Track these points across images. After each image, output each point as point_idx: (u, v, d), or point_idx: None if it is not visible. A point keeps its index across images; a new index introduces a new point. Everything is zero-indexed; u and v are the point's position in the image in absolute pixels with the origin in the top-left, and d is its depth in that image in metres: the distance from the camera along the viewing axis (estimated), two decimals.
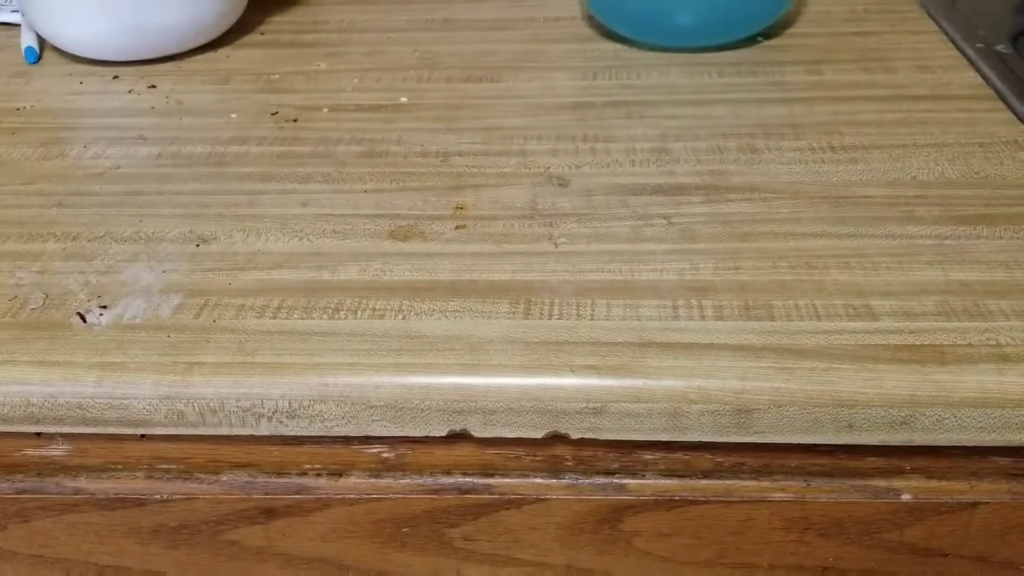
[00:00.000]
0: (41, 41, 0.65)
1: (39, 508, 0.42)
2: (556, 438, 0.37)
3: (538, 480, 0.40)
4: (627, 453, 0.40)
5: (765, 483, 0.40)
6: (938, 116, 0.52)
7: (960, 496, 0.39)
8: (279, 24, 0.68)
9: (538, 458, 0.40)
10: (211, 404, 0.37)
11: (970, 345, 0.36)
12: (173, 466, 0.41)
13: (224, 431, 0.37)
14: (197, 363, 0.37)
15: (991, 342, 0.36)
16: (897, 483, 0.40)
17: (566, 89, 0.57)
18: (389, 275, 0.41)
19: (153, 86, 0.59)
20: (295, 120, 0.54)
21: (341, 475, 0.41)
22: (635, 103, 0.55)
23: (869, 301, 0.38)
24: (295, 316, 0.39)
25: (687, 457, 0.40)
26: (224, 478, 0.41)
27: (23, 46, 0.64)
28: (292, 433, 0.37)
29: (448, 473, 0.41)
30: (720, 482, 0.40)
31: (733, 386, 0.35)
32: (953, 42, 0.60)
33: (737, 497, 0.40)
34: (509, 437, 0.37)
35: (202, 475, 0.41)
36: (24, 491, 0.41)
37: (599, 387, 0.36)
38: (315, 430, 0.37)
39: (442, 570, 0.43)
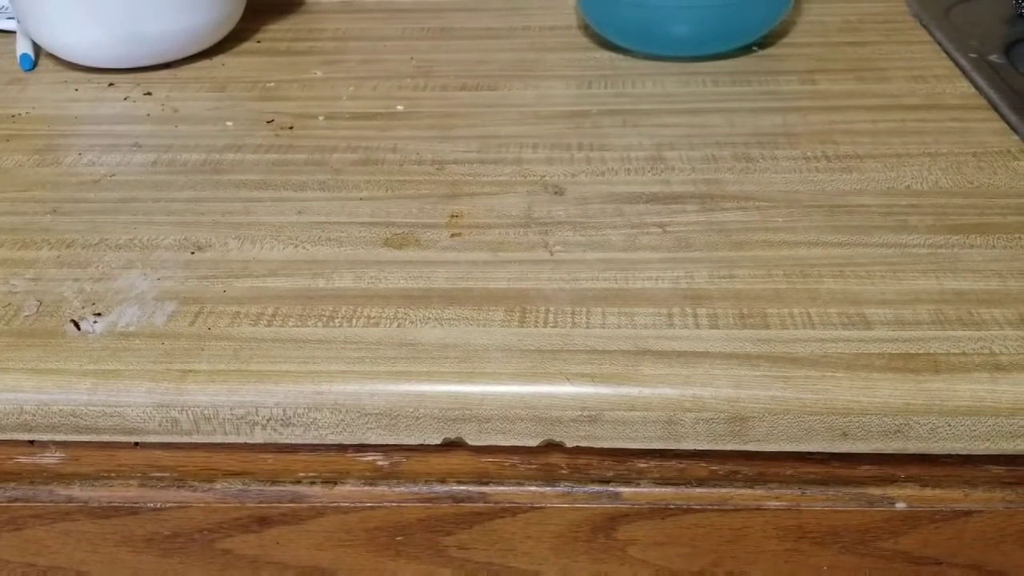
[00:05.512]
0: (36, 48, 0.65)
1: (32, 516, 0.41)
2: (551, 446, 0.37)
3: (533, 488, 0.40)
4: (622, 461, 0.40)
5: (760, 491, 0.40)
6: (932, 126, 0.52)
7: (954, 504, 0.40)
8: (275, 32, 0.68)
9: (533, 466, 0.40)
10: (205, 412, 0.36)
11: (964, 354, 0.36)
12: (167, 474, 0.41)
13: (218, 439, 0.37)
14: (191, 371, 0.37)
15: (985, 351, 0.36)
16: (891, 491, 0.40)
17: (561, 98, 0.57)
18: (384, 283, 0.41)
19: (149, 93, 0.59)
20: (291, 128, 0.55)
21: (336, 483, 0.41)
22: (630, 112, 0.55)
23: (863, 310, 0.39)
24: (290, 324, 0.39)
25: (682, 465, 0.40)
26: (218, 486, 0.41)
27: (18, 53, 0.64)
28: (287, 441, 0.37)
29: (443, 481, 0.41)
30: (715, 490, 0.40)
31: (728, 394, 0.35)
32: (946, 52, 0.60)
33: (732, 505, 0.40)
34: (504, 445, 0.37)
35: (196, 483, 0.41)
36: (17, 499, 0.41)
37: (594, 395, 0.36)
38: (310, 438, 0.37)
39: None
